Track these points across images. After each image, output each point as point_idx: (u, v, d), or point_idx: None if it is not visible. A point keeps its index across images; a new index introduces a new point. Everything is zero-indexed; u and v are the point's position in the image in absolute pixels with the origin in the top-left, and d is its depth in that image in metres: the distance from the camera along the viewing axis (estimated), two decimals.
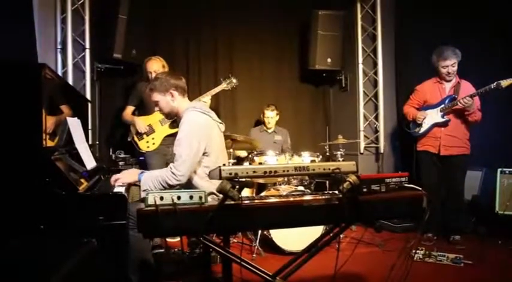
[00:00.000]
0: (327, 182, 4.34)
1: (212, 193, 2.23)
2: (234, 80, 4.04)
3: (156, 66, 3.90)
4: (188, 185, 2.44)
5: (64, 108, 2.57)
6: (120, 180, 2.44)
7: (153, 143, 3.90)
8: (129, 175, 2.49)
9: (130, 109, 4.03)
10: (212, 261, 3.09)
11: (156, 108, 2.64)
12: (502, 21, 4.18)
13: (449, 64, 3.72)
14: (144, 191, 2.35)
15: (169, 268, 3.12)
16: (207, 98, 3.88)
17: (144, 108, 3.99)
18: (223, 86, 4.00)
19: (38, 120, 2.04)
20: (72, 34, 4.13)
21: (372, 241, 3.74)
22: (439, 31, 4.48)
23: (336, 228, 2.16)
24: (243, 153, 4.44)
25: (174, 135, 3.86)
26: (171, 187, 2.35)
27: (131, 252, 2.36)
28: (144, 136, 3.92)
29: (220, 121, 2.72)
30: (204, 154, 2.46)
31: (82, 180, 2.33)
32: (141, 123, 3.88)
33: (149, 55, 4.09)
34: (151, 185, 2.35)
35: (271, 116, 4.68)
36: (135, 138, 3.92)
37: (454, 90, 3.78)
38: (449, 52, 3.71)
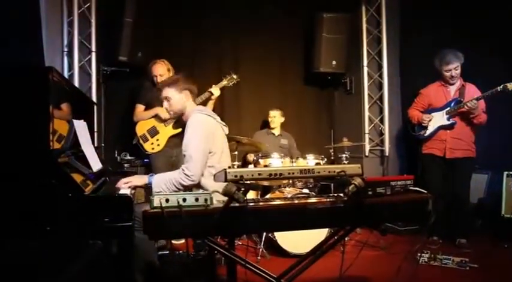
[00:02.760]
0: (332, 184, 4.33)
1: (216, 191, 2.26)
2: (235, 76, 4.05)
3: (161, 69, 3.92)
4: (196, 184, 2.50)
5: (66, 108, 2.59)
6: (130, 184, 2.47)
7: (158, 144, 3.92)
8: (138, 178, 2.55)
9: (141, 107, 4.04)
10: (217, 263, 3.09)
11: (165, 104, 2.68)
12: (506, 23, 4.17)
13: (452, 68, 3.71)
14: (158, 193, 2.39)
15: (174, 270, 3.12)
16: (216, 89, 3.86)
17: (149, 109, 4.01)
18: (224, 82, 4.02)
19: (45, 122, 2.06)
20: (78, 37, 4.16)
21: (377, 244, 3.73)
22: (443, 33, 4.47)
23: (341, 231, 2.16)
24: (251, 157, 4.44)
25: (177, 136, 3.90)
26: (185, 188, 2.42)
27: (136, 253, 2.37)
28: (149, 138, 3.93)
29: (224, 124, 2.78)
30: (209, 153, 2.53)
31: (88, 182, 2.34)
32: (164, 109, 3.84)
33: (155, 57, 4.11)
34: (164, 187, 2.43)
35: (273, 115, 4.70)
36: (140, 141, 3.94)
37: (459, 93, 3.77)
38: (452, 56, 3.70)
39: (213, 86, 3.93)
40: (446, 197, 3.74)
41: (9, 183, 2.02)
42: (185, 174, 2.41)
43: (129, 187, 2.45)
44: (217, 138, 2.58)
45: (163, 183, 2.44)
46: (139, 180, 2.53)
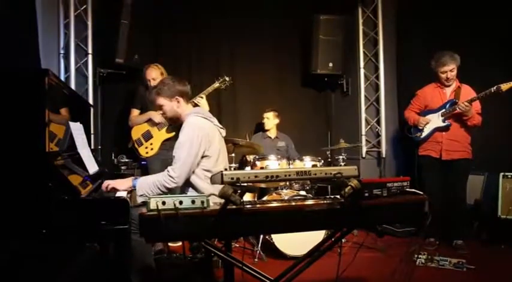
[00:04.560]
0: (329, 186, 4.34)
1: (212, 194, 2.26)
2: (228, 78, 4.04)
3: (154, 73, 3.92)
4: (187, 184, 2.49)
5: (62, 110, 2.59)
6: (112, 186, 2.45)
7: (152, 149, 3.93)
8: (122, 181, 2.51)
9: (136, 112, 4.05)
10: (214, 265, 3.09)
11: (160, 111, 2.72)
12: (503, 24, 4.19)
13: (448, 70, 3.72)
14: (141, 196, 2.38)
15: (171, 272, 3.12)
16: (201, 98, 3.86)
17: (144, 113, 4.01)
18: (216, 85, 4.02)
19: (41, 125, 2.05)
20: (74, 39, 4.16)
21: (374, 246, 3.73)
22: (440, 35, 4.49)
23: (338, 233, 2.16)
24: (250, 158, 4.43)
25: (172, 139, 3.90)
26: (168, 190, 2.40)
27: (133, 256, 2.37)
28: (143, 142, 3.94)
29: (222, 126, 2.75)
30: (204, 157, 2.51)
31: (84, 185, 2.33)
32: (157, 113, 3.78)
33: (152, 60, 4.11)
34: (148, 190, 2.39)
35: (266, 117, 4.70)
36: (135, 145, 3.95)
37: (454, 95, 3.78)
38: (448, 58, 3.71)
39: (205, 90, 3.91)
40: (442, 198, 3.75)
41: (5, 186, 2.01)
42: (170, 176, 2.38)
43: (110, 190, 2.43)
44: (213, 142, 2.55)
45: (147, 186, 2.40)
46: (123, 183, 2.49)
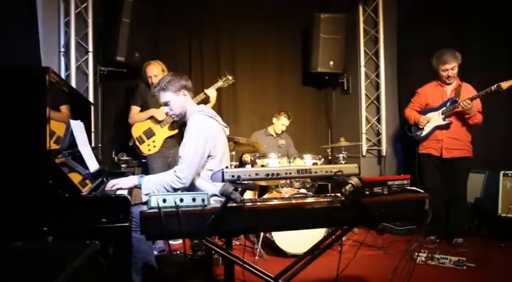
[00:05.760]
0: (329, 184, 4.34)
1: (214, 195, 2.24)
2: (230, 77, 4.04)
3: (155, 70, 3.91)
4: (191, 186, 2.45)
5: (63, 108, 2.59)
6: (119, 185, 2.44)
7: (154, 146, 3.91)
8: (128, 180, 2.50)
9: (137, 109, 4.02)
10: (214, 263, 3.09)
11: (165, 109, 2.58)
12: (503, 23, 4.19)
13: (449, 68, 3.71)
14: (147, 195, 2.36)
15: (172, 270, 3.12)
16: (212, 90, 3.86)
17: (145, 109, 4.00)
18: (220, 84, 4.01)
19: (42, 123, 2.06)
20: (75, 37, 4.16)
21: (374, 244, 3.74)
22: (441, 33, 4.49)
23: (338, 231, 2.16)
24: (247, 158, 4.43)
25: (174, 137, 3.90)
26: (175, 190, 2.36)
27: (134, 254, 2.37)
28: (145, 139, 3.93)
29: (226, 125, 2.72)
30: (208, 157, 2.46)
31: (85, 183, 2.34)
32: (159, 111, 3.78)
33: (152, 58, 4.10)
34: (154, 189, 2.36)
35: (287, 124, 4.69)
36: (136, 142, 3.93)
37: (455, 93, 3.77)
38: (449, 56, 3.70)
39: (209, 88, 3.93)
40: (443, 196, 3.75)
41: (6, 183, 2.02)
42: (177, 176, 2.33)
43: (117, 189, 2.41)
44: (218, 142, 2.50)
45: (153, 185, 2.37)
46: (129, 181, 2.47)
